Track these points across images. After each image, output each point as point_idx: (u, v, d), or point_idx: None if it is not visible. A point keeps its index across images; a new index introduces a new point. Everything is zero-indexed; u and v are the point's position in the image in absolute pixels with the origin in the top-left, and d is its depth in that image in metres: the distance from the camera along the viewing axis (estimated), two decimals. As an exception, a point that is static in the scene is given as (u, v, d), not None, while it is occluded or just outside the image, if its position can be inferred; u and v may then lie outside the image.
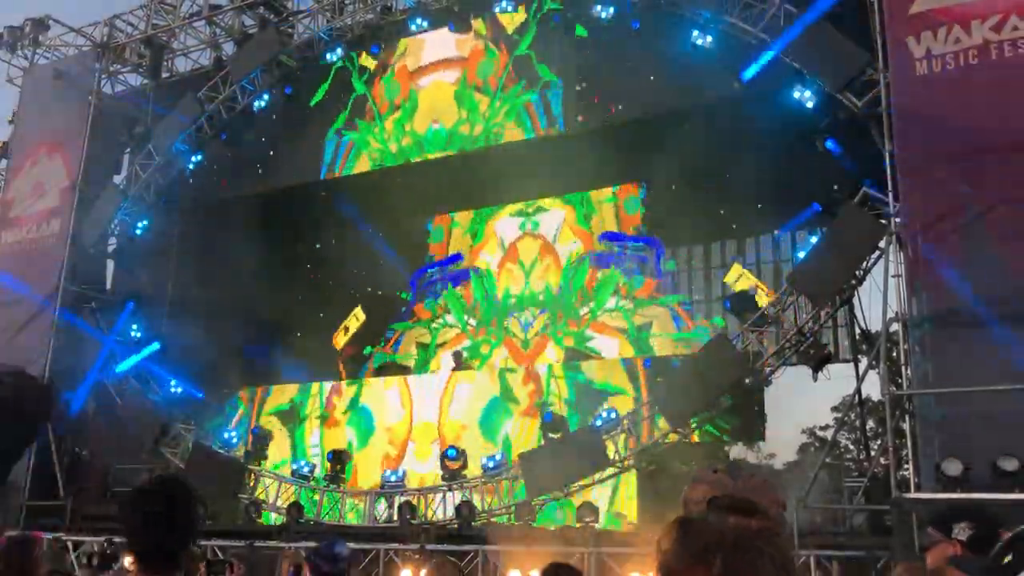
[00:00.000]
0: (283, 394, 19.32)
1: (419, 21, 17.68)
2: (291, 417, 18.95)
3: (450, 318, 18.72)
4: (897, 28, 11.82)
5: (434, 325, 18.87)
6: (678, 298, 16.66)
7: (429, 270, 19.27)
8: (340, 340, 19.40)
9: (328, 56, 18.62)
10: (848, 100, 12.64)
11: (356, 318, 19.25)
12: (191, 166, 19.34)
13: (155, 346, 18.32)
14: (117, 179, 20.36)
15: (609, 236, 17.46)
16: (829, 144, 13.16)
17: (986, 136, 10.82)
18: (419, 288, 19.32)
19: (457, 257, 19.03)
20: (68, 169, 19.79)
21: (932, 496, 10.05)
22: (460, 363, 17.94)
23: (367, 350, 19.41)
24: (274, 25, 19.04)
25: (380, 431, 17.86)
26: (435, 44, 18.00)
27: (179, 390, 18.37)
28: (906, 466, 10.93)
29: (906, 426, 11.15)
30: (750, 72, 13.37)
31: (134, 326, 18.56)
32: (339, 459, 16.69)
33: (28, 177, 20.48)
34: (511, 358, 17.72)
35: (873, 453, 13.34)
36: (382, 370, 19.08)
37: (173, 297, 19.34)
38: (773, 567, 1.43)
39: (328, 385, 19.00)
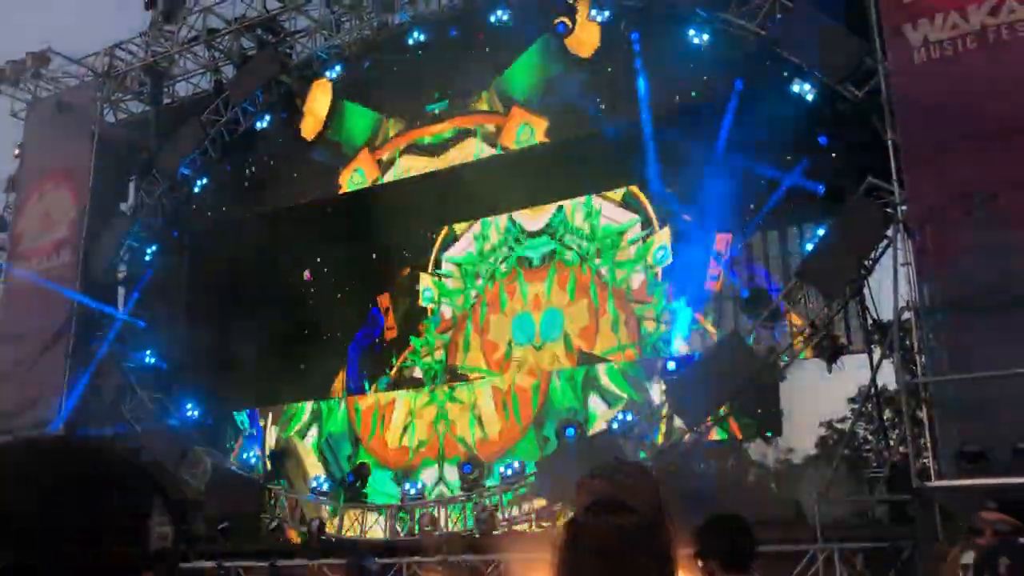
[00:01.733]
0: (303, 411, 19.32)
1: (416, 35, 17.75)
2: (316, 432, 18.91)
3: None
4: (893, 16, 11.81)
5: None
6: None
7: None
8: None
9: (327, 74, 18.71)
10: (848, 91, 12.63)
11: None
12: (197, 189, 19.45)
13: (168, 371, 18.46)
14: (124, 206, 20.51)
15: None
16: (822, 140, 13.18)
17: (988, 121, 10.79)
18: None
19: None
20: (75, 199, 19.92)
21: (953, 483, 10.00)
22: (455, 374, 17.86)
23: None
24: (272, 46, 19.14)
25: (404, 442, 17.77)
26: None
27: (195, 413, 18.43)
28: (926, 455, 10.89)
29: (923, 415, 11.10)
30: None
31: (148, 351, 18.65)
32: (360, 474, 16.72)
33: (36, 210, 20.63)
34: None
35: (892, 443, 13.28)
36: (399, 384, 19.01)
37: (186, 320, 19.42)
38: (650, 559, 1.57)
39: (350, 399, 18.95)
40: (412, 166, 18.35)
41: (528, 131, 17.17)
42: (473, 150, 17.75)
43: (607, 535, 1.59)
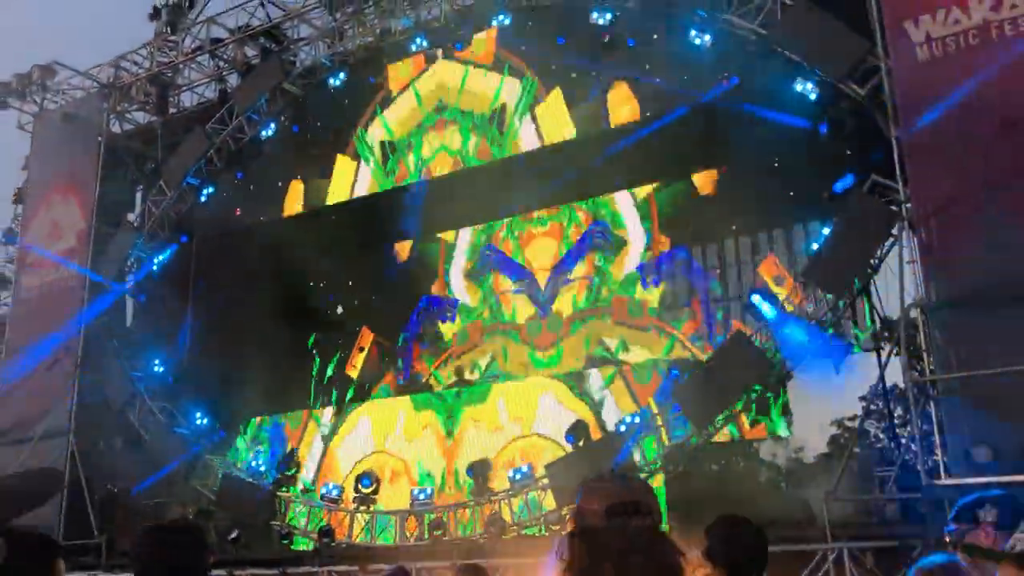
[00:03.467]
0: (315, 418, 19.31)
1: (419, 41, 17.81)
2: (329, 440, 18.90)
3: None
4: (895, 13, 11.78)
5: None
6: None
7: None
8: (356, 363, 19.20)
9: (331, 81, 18.77)
10: (850, 89, 12.59)
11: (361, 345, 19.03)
12: (203, 198, 19.53)
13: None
14: (131, 216, 20.61)
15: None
16: (823, 129, 13.11)
17: (992, 116, 10.74)
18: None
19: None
20: (82, 210, 20.04)
21: (963, 482, 9.95)
22: (462, 379, 17.79)
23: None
24: (276, 54, 19.23)
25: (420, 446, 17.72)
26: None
27: (204, 421, 18.48)
28: (936, 453, 10.83)
29: (932, 412, 11.05)
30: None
31: (156, 360, 18.74)
32: (368, 480, 16.73)
33: (44, 221, 20.76)
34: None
35: (903, 441, 13.22)
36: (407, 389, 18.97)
37: (194, 329, 19.50)
38: (666, 561, 1.61)
39: (361, 406, 18.92)
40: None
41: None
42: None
43: (630, 537, 1.62)
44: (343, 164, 19.21)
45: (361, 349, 19.09)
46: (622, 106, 16.40)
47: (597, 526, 1.67)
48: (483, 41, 17.82)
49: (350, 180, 19.12)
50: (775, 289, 14.43)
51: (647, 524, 1.66)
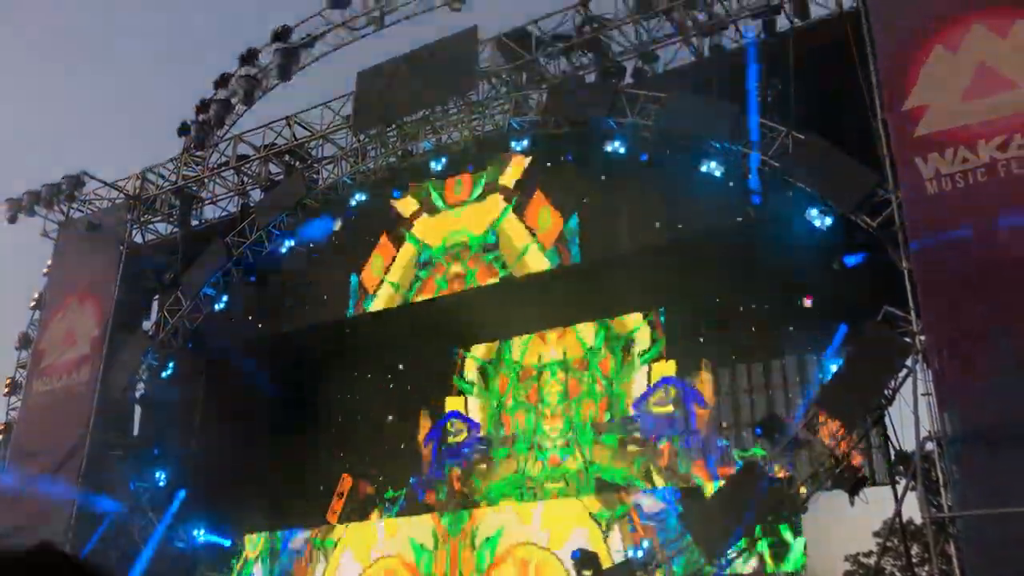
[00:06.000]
0: (314, 536, 18.91)
1: (436, 165, 18.29)
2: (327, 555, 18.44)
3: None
4: (904, 150, 12.04)
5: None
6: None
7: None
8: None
9: (352, 200, 19.16)
10: (862, 221, 12.77)
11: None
12: (218, 307, 19.72)
13: (181, 495, 18.21)
14: (145, 325, 20.74)
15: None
16: (847, 260, 13.25)
17: (1003, 252, 10.84)
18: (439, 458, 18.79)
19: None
20: (98, 317, 20.19)
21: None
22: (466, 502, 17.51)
23: (388, 494, 18.91)
24: (299, 171, 19.74)
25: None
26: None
27: (203, 537, 18.11)
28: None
29: (952, 550, 10.72)
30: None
31: (159, 473, 18.51)
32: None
33: (59, 326, 20.91)
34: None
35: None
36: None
37: (199, 441, 19.33)
38: None
39: (361, 524, 18.54)
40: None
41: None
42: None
43: None
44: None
45: (340, 495, 18.87)
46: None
47: None
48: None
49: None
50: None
51: None
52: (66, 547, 17.41)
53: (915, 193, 11.79)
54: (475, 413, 18.50)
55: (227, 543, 18.37)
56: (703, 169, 14.58)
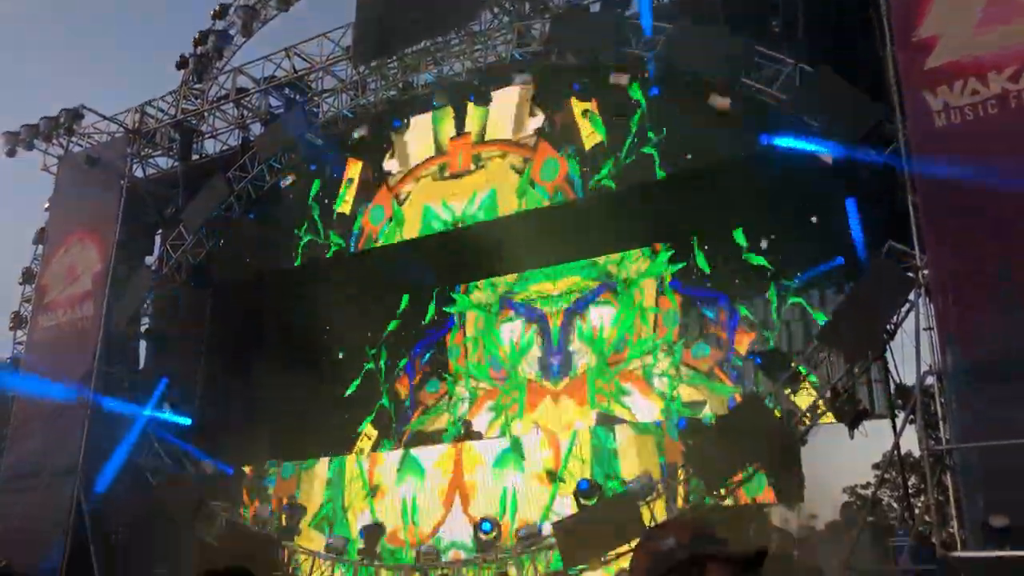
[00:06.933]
0: (319, 468, 19.14)
1: (440, 98, 18.04)
2: (334, 493, 18.67)
3: (460, 389, 18.32)
4: (913, 83, 11.83)
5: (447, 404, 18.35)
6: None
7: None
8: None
9: (354, 134, 18.96)
10: (868, 155, 12.63)
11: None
12: (221, 244, 19.70)
13: (186, 421, 18.48)
14: (148, 260, 20.78)
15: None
16: (849, 205, 13.18)
17: (1010, 186, 10.73)
18: (417, 368, 18.79)
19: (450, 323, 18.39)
20: (101, 253, 20.21)
21: (979, 554, 9.75)
22: (470, 433, 17.57)
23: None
24: (299, 104, 19.55)
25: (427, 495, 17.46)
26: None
27: (213, 467, 18.38)
28: (951, 524, 10.63)
29: (948, 482, 10.86)
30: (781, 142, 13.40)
31: (166, 405, 18.72)
32: (373, 533, 16.53)
33: (62, 262, 20.95)
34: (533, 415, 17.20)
35: (917, 511, 12.99)
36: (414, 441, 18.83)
37: (205, 374, 19.50)
38: None
39: (364, 457, 18.74)
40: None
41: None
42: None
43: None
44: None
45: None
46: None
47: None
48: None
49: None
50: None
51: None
52: (78, 477, 17.77)
53: (923, 126, 11.64)
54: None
55: (230, 472, 18.61)
56: (711, 101, 14.40)
